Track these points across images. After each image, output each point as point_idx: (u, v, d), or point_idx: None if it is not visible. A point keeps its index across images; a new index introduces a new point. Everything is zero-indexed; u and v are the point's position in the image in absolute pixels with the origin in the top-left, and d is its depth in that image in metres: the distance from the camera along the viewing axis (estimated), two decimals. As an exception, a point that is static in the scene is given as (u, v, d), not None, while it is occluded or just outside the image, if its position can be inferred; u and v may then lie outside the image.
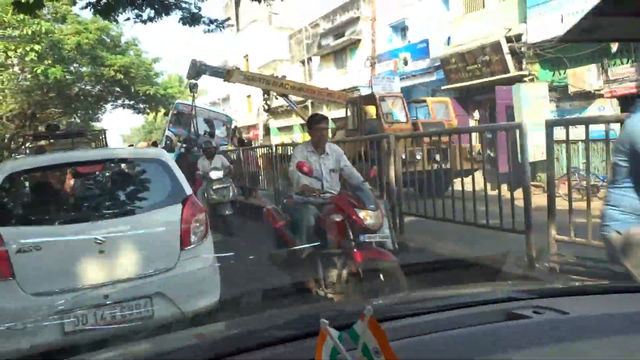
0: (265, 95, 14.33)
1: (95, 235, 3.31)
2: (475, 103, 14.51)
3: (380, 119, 10.37)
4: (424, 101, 11.83)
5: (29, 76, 20.99)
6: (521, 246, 4.35)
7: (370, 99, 11.21)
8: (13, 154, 20.47)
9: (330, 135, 13.15)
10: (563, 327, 1.09)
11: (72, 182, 4.90)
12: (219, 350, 1.03)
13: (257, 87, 14.62)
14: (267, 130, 30.51)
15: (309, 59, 24.36)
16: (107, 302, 3.24)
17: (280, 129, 27.36)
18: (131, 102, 25.97)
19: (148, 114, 26.90)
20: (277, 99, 14.28)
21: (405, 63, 17.75)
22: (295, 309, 1.82)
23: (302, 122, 26.23)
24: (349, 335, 0.81)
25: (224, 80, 14.71)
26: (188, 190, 3.79)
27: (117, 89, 24.16)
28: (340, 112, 20.53)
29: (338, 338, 0.80)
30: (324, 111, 20.70)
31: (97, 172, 4.82)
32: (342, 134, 14.10)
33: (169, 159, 4.01)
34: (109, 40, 22.68)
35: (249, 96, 34.74)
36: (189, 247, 3.57)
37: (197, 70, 14.54)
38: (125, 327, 3.20)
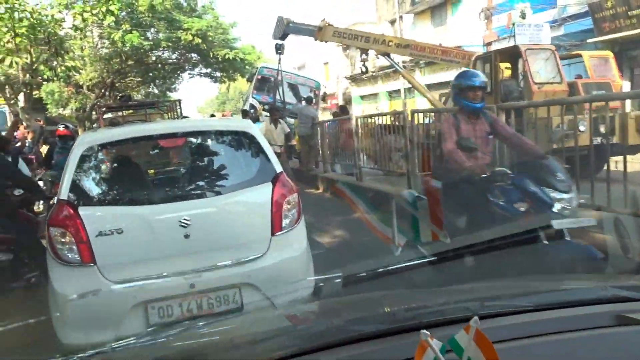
0: (363, 55, 12.22)
1: (179, 218, 3.01)
2: (630, 59, 11.58)
3: (527, 79, 8.00)
4: (578, 55, 9.22)
5: (107, 43, 20.28)
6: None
7: (508, 54, 8.84)
8: (94, 125, 20.12)
9: (442, 102, 11.01)
10: None
11: (153, 156, 4.61)
12: (306, 345, 1.01)
13: (353, 45, 12.54)
14: (347, 100, 28.49)
15: (400, 18, 21.80)
16: (193, 292, 2.99)
17: (363, 97, 25.19)
18: (208, 70, 24.89)
19: (225, 82, 25.69)
20: (378, 58, 12.14)
21: (523, 16, 14.84)
22: (382, 300, 1.54)
23: (391, 89, 24.21)
24: (451, 346, 0.79)
25: (315, 39, 12.80)
26: (278, 167, 3.39)
27: (195, 55, 23.10)
28: (439, 76, 18.10)
29: (440, 350, 0.76)
30: (426, 75, 18.32)
31: (179, 146, 4.58)
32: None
33: (257, 131, 3.59)
34: (185, 4, 21.55)
35: (326, 63, 32.80)
36: (280, 233, 3.23)
37: (284, 28, 12.71)
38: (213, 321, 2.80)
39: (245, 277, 3.08)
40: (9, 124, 15.24)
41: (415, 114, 7.50)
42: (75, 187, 3.11)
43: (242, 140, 3.57)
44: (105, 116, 14.18)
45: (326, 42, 13.01)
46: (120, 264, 2.98)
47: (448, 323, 1.07)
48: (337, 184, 5.90)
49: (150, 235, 3.03)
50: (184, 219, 3.02)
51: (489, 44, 13.73)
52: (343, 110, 12.93)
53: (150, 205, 3.20)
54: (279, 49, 13.35)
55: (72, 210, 2.99)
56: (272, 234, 3.21)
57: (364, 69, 12.50)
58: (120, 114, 13.90)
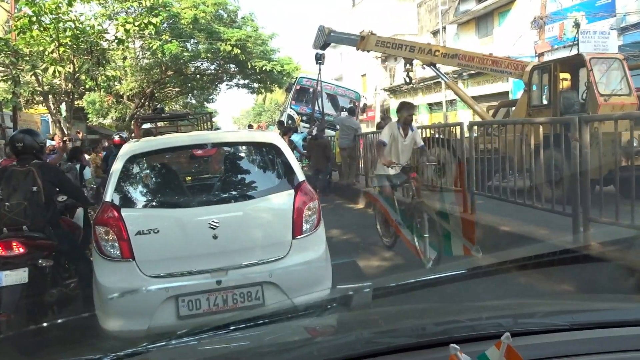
0: (408, 65, 11.67)
1: (209, 220, 3.27)
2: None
3: (592, 90, 7.30)
4: (647, 66, 8.44)
5: (147, 54, 20.53)
6: None
7: (570, 63, 8.16)
8: (132, 135, 20.35)
9: (487, 115, 10.35)
10: None
11: (188, 164, 4.94)
12: (333, 356, 1.01)
13: (397, 55, 12.03)
14: (384, 112, 27.93)
15: (443, 29, 21.18)
16: (220, 288, 3.20)
17: (402, 109, 24.58)
18: (245, 82, 24.93)
19: (262, 93, 25.64)
20: (423, 68, 11.57)
21: (577, 26, 14.02)
22: (411, 313, 1.59)
23: (431, 101, 23.54)
24: None
25: (357, 49, 12.37)
26: (301, 176, 3.64)
27: (233, 66, 23.17)
28: (483, 88, 17.40)
29: None
30: (469, 87, 17.58)
31: (211, 156, 5.00)
32: (504, 113, 11.20)
33: (283, 143, 3.86)
34: (225, 15, 21.66)
35: (364, 75, 32.42)
36: (300, 236, 3.43)
37: (325, 38, 12.35)
38: (237, 315, 3.00)
39: (267, 276, 3.28)
40: (50, 133, 15.42)
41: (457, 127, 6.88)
42: (119, 191, 3.42)
43: (268, 151, 3.84)
44: (142, 127, 14.28)
45: (368, 51, 12.56)
46: (156, 260, 3.25)
47: (479, 339, 1.04)
48: (371, 193, 5.86)
49: (183, 235, 3.29)
50: (213, 222, 3.27)
51: (541, 54, 12.97)
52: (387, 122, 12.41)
53: (184, 209, 3.48)
54: (319, 59, 12.99)
55: (115, 211, 3.29)
56: (293, 237, 3.41)
57: (407, 80, 11.94)
58: (154, 125, 14.52)
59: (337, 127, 11.94)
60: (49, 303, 3.85)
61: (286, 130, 12.15)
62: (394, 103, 26.09)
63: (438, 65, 11.24)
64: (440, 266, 4.40)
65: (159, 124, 14.39)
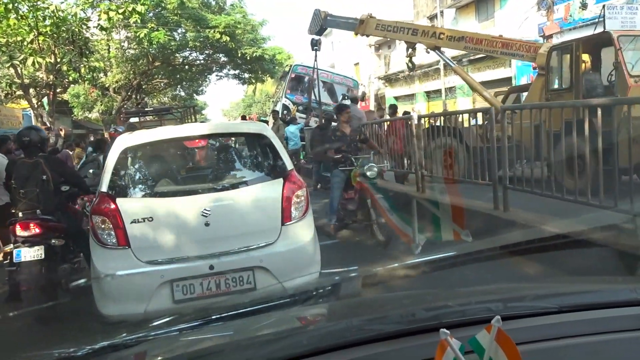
0: (410, 50, 11.00)
1: (201, 209, 3.40)
2: None
3: (621, 71, 6.71)
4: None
5: (133, 43, 19.64)
6: None
7: (594, 42, 7.55)
8: (114, 127, 19.52)
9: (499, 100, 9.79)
10: None
11: (180, 155, 5.13)
12: (323, 344, 1.01)
13: (398, 39, 11.40)
14: (379, 100, 27.26)
15: (441, 13, 20.49)
16: (212, 273, 3.33)
17: (397, 98, 23.92)
18: (236, 72, 24.09)
19: (253, 83, 24.83)
20: (428, 52, 10.90)
21: (584, 6, 13.44)
22: (401, 300, 1.60)
23: (429, 89, 22.85)
24: (471, 346, 0.78)
25: (355, 34, 11.71)
26: (289, 165, 3.76)
27: (222, 56, 22.32)
28: (485, 75, 16.73)
29: (460, 349, 0.75)
30: (469, 74, 16.81)
31: (203, 146, 5.30)
32: (514, 99, 10.62)
33: (272, 133, 3.99)
34: (213, 2, 20.78)
35: (356, 64, 31.67)
36: (289, 223, 3.56)
37: (322, 22, 11.64)
38: (229, 299, 3.23)
39: (257, 261, 3.41)
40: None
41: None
42: (114, 181, 3.57)
43: (258, 141, 3.98)
44: (127, 122, 13.88)
45: (367, 36, 11.88)
46: (151, 247, 3.39)
47: (469, 324, 1.05)
48: (362, 181, 5.76)
49: (176, 223, 3.44)
50: (205, 210, 3.41)
51: (550, 37, 12.36)
52: (394, 110, 11.74)
53: (177, 198, 3.62)
54: (315, 45, 12.29)
55: (111, 201, 3.43)
56: (282, 223, 3.54)
57: (410, 66, 11.27)
58: (138, 119, 14.92)
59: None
60: (62, 277, 4.23)
61: (285, 120, 11.46)
62: (389, 92, 25.44)
63: (442, 49, 10.63)
64: (429, 251, 4.40)
65: (144, 118, 14.86)
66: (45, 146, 4.73)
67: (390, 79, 25.05)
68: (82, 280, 4.24)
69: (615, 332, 0.98)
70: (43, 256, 4.02)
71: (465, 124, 7.97)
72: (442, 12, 20.57)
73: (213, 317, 1.56)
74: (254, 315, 1.47)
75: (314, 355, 0.97)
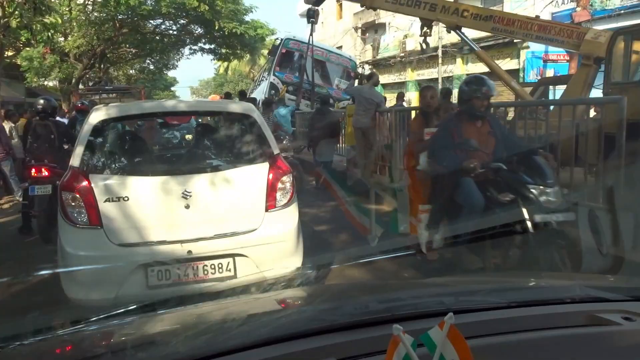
0: (426, 28, 9.56)
1: (182, 190, 3.26)
2: None
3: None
4: None
5: (98, 5, 17.47)
6: None
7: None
8: (80, 100, 17.41)
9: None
10: None
11: (160, 132, 5.55)
12: (276, 334, 1.01)
13: (413, 14, 9.87)
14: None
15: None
16: (190, 258, 3.20)
17: (385, 85, 22.51)
18: (212, 46, 22.14)
19: (230, 60, 22.94)
20: (449, 32, 9.52)
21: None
22: (355, 290, 1.70)
23: (422, 77, 21.49)
24: (423, 342, 0.79)
25: (362, 5, 10.27)
26: (275, 149, 3.67)
27: (198, 27, 20.36)
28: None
29: (412, 345, 0.75)
30: (469, 64, 15.47)
31: (185, 124, 5.95)
32: (541, 92, 9.42)
33: (258, 115, 3.83)
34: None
35: (339, 47, 30.10)
36: (273, 210, 3.44)
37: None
38: (208, 286, 3.15)
39: (238, 247, 3.27)
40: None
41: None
42: (87, 156, 3.41)
43: (244, 122, 3.86)
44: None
45: (375, 9, 10.43)
46: (125, 229, 3.21)
47: (422, 317, 1.07)
48: (322, 173, 5.81)
49: (154, 204, 3.28)
50: (186, 191, 3.26)
51: (579, 24, 11.17)
52: (400, 98, 10.30)
53: (156, 177, 3.42)
54: (312, 17, 10.70)
55: (83, 177, 3.27)
56: (266, 210, 3.41)
57: (424, 46, 9.85)
58: (97, 97, 14.43)
59: (342, 101, 9.72)
60: None
61: (268, 102, 9.80)
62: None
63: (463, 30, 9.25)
64: (385, 243, 4.40)
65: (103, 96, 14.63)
66: (55, 113, 6.31)
67: (378, 64, 23.61)
68: None
69: (562, 327, 1.00)
70: (50, 192, 5.38)
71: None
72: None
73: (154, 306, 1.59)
74: (206, 303, 1.48)
75: (265, 346, 0.95)
